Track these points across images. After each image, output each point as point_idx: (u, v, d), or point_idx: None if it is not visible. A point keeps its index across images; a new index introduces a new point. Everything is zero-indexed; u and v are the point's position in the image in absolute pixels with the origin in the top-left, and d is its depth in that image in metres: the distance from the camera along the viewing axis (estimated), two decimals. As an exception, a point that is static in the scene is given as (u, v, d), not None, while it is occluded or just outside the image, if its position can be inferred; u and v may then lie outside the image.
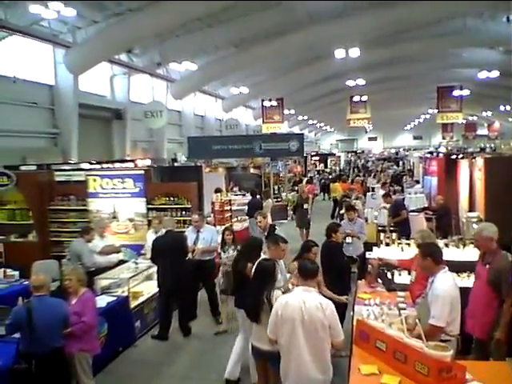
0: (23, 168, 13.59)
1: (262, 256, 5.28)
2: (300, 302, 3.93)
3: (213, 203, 12.09)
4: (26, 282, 6.41)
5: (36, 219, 10.24)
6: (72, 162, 18.02)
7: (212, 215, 11.72)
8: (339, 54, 22.70)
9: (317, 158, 35.64)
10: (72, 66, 18.14)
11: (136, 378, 6.04)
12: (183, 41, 21.72)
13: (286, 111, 30.91)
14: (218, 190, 12.58)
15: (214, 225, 11.07)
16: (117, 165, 16.67)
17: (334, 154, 41.63)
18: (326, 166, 32.37)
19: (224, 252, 7.19)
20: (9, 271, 7.77)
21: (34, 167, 14.06)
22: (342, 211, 9.93)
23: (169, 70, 24.88)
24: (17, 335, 4.74)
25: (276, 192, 18.62)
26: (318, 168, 30.51)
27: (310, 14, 19.89)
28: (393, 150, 49.69)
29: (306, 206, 13.10)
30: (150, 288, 7.61)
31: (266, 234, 7.13)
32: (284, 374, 4.05)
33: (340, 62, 25.71)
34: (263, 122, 26.64)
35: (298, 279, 4.18)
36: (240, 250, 6.16)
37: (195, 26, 20.42)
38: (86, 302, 5.05)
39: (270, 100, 26.42)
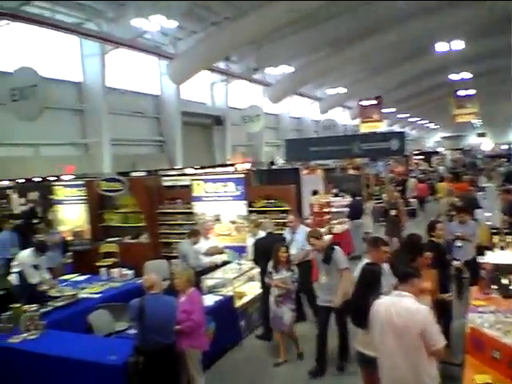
0: (133, 174, 14.60)
1: (365, 261, 5.13)
2: (390, 306, 3.80)
3: (311, 205, 12.04)
4: (140, 281, 6.83)
5: (147, 222, 10.90)
6: (177, 167, 19.00)
7: (311, 217, 11.67)
8: (440, 47, 21.58)
9: (420, 156, 34.03)
10: (174, 75, 19.15)
11: (242, 376, 6.19)
12: (279, 45, 22.02)
13: (384, 109, 29.98)
14: (316, 192, 12.51)
15: (314, 227, 11.03)
16: (218, 169, 17.31)
17: (439, 152, 39.50)
18: (429, 165, 30.79)
19: (276, 272, 6.37)
20: (124, 270, 8.31)
21: (143, 173, 15.05)
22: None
23: (265, 74, 25.29)
24: (133, 331, 5.08)
25: (377, 193, 18.07)
26: (421, 167, 29.13)
27: (408, 7, 19.12)
28: (504, 147, 45.93)
29: (393, 212, 11.12)
30: (253, 289, 7.76)
31: (323, 255, 6.00)
32: (382, 380, 3.93)
33: (442, 56, 24.46)
34: (361, 121, 26.13)
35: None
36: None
37: (290, 30, 20.58)
38: (194, 300, 5.25)
39: (368, 99, 25.78)
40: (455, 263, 7.08)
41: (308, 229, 8.74)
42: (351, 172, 17.79)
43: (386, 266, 5.18)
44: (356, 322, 4.48)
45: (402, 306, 3.73)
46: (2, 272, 8.88)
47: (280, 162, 21.96)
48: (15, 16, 12.99)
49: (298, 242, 7.77)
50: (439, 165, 31.25)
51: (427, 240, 6.17)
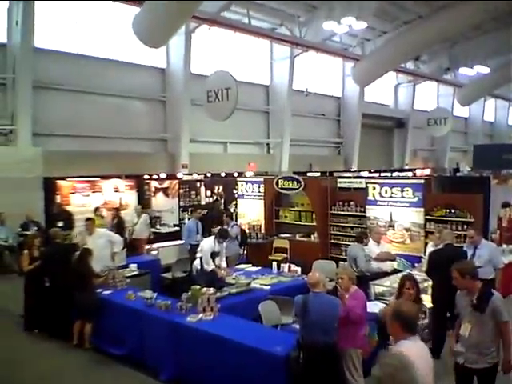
0: (309, 174, 14.94)
1: None
2: None
3: (500, 219, 10.82)
4: (306, 278, 6.96)
5: (318, 221, 11.06)
6: (352, 169, 18.87)
7: (498, 232, 10.50)
8: None
9: None
10: (359, 77, 18.97)
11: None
12: (476, 43, 20.31)
13: None
14: (506, 205, 11.19)
15: (500, 243, 9.92)
16: (395, 173, 16.70)
17: None
18: None
19: None
20: (293, 266, 8.55)
21: (319, 174, 15.30)
22: None
23: (457, 74, 23.54)
24: (297, 325, 5.21)
25: None
26: None
27: None
28: None
29: None
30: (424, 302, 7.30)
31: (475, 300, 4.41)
32: None
33: None
34: None
35: None
36: None
37: (490, 26, 18.76)
38: (358, 297, 5.20)
39: None
40: None
41: (493, 244, 7.91)
42: (553, 185, 15.48)
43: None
44: None
45: None
46: (187, 256, 9.91)
47: (466, 169, 20.22)
48: (215, 21, 14.25)
49: (481, 258, 7.10)
50: None
51: None
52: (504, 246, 10.01)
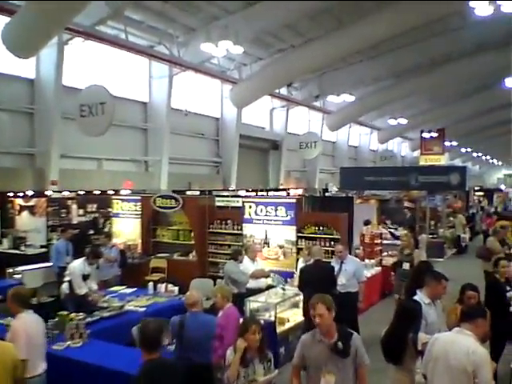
0: (188, 193, 14.94)
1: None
2: (448, 343, 3.75)
3: (362, 235, 11.82)
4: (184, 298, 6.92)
5: (197, 240, 11.09)
6: (231, 189, 19.26)
7: (361, 248, 11.45)
8: (510, 82, 20.86)
9: (481, 193, 32.70)
10: (236, 100, 19.56)
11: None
12: (343, 73, 22.09)
13: (447, 143, 29.16)
14: (367, 223, 12.27)
15: (363, 258, 10.81)
16: (270, 193, 17.40)
17: (502, 190, 37.78)
18: (490, 203, 29.52)
19: (244, 366, 4.18)
20: (170, 286, 8.45)
21: (198, 192, 15.37)
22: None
23: (326, 101, 25.36)
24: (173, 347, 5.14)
25: (432, 227, 17.48)
26: (482, 204, 27.94)
27: (478, 41, 18.68)
28: None
29: (406, 265, 8.49)
30: (296, 316, 7.66)
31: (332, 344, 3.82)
32: None
33: (509, 91, 23.62)
34: (421, 153, 25.55)
35: (458, 320, 3.97)
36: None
37: (355, 59, 20.62)
38: (229, 315, 5.28)
39: (430, 131, 25.19)
40: None
41: (357, 259, 8.59)
42: (406, 204, 17.35)
43: (438, 304, 5.01)
44: (390, 359, 4.35)
45: (460, 345, 3.67)
46: (55, 279, 9.28)
47: (334, 189, 21.78)
48: (90, 35, 13.76)
49: (347, 272, 7.64)
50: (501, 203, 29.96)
51: (488, 277, 5.91)
52: (366, 260, 10.93)
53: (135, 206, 11.90)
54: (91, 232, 13.05)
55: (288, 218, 10.21)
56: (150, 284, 8.60)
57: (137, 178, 16.67)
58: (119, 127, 15.53)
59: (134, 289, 8.66)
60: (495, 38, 18.28)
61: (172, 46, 16.37)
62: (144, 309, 7.36)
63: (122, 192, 14.65)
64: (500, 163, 55.41)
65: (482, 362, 3.56)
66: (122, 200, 12.30)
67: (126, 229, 12.00)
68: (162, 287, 8.45)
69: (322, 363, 3.79)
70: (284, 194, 17.08)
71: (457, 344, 3.68)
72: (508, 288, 6.13)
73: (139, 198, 12.10)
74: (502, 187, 41.43)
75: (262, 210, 10.53)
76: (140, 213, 11.75)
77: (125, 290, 8.58)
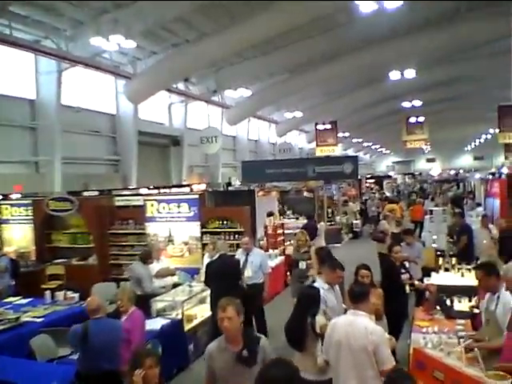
0: (85, 194, 14.25)
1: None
2: (346, 325, 3.90)
3: (266, 227, 12.11)
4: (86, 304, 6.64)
5: (96, 243, 10.64)
6: (131, 187, 18.69)
7: (265, 239, 11.72)
8: (394, 75, 22.48)
9: (372, 180, 35.03)
10: (132, 95, 18.98)
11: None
12: (238, 68, 22.31)
13: (340, 134, 30.69)
14: (270, 214, 12.59)
15: (267, 249, 11.08)
16: (173, 190, 17.15)
17: (390, 177, 40.74)
18: (381, 189, 31.75)
19: None
20: (69, 293, 8.04)
21: (96, 193, 14.72)
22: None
23: (224, 96, 25.50)
24: (76, 356, 4.92)
25: (330, 215, 18.41)
26: (373, 191, 29.94)
27: (365, 36, 19.86)
28: (452, 172, 47.95)
29: (303, 265, 8.37)
30: (204, 311, 7.67)
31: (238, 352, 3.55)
32: None
33: (395, 84, 25.46)
34: (317, 145, 26.54)
35: (350, 303, 4.13)
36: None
37: (250, 54, 20.93)
38: (135, 319, 5.17)
39: (324, 123, 26.33)
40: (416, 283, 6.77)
41: (262, 251, 8.77)
42: (306, 194, 18.05)
43: (337, 289, 5.29)
44: (294, 345, 4.49)
45: (358, 326, 3.82)
46: None
47: (237, 183, 22.04)
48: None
49: (253, 264, 7.78)
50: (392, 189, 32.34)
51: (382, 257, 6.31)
52: (270, 250, 11.22)
53: (26, 210, 11.15)
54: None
55: (191, 213, 10.17)
56: (47, 292, 8.12)
57: (27, 180, 15.53)
58: (4, 127, 14.44)
59: (30, 299, 8.15)
60: (380, 32, 19.52)
61: (59, 40, 15.46)
62: (42, 319, 6.94)
63: (12, 196, 13.58)
64: (388, 152, 59.53)
65: (381, 341, 3.78)
66: (12, 205, 11.46)
67: (17, 235, 11.21)
68: (60, 295, 8.01)
69: (228, 374, 3.49)
70: (187, 190, 16.90)
71: (355, 325, 3.83)
72: (403, 270, 6.63)
73: (30, 201, 11.33)
74: (391, 173, 44.74)
75: (164, 208, 10.38)
76: (32, 218, 11.01)
77: (20, 301, 8.04)
